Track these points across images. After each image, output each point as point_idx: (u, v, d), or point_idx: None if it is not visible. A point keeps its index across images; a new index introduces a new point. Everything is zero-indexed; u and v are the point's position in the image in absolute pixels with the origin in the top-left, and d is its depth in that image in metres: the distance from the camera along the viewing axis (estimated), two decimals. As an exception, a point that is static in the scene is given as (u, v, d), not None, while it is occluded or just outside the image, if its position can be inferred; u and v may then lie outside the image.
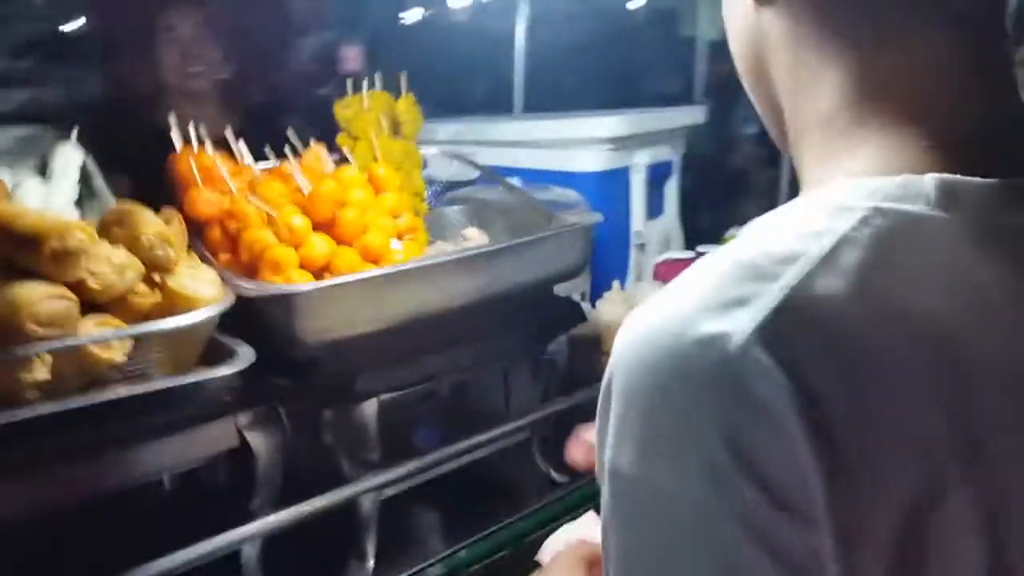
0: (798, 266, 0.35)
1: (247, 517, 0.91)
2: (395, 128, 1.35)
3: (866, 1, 0.40)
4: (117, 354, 0.66)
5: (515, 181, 1.59)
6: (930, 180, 0.37)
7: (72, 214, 1.02)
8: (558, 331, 1.22)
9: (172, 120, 1.09)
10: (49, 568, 0.78)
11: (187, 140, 1.06)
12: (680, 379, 0.34)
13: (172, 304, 0.70)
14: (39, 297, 0.60)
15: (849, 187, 0.39)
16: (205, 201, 0.96)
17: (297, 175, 1.02)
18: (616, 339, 0.38)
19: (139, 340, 0.66)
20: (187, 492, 0.91)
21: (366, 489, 1.02)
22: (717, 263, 0.38)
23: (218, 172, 1.00)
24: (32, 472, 0.67)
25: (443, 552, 1.12)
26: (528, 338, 1.18)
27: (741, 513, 0.33)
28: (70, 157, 1.07)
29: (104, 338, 0.63)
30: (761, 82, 0.47)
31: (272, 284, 0.85)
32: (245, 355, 0.73)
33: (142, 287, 0.70)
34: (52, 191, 1.01)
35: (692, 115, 1.99)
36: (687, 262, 1.70)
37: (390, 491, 1.08)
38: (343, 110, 1.32)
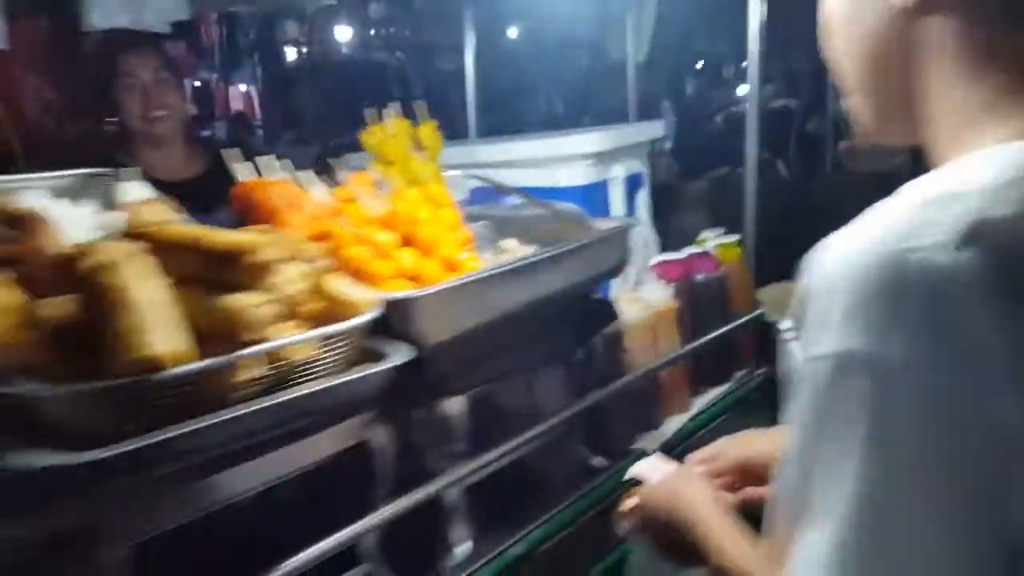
0: (974, 195, 0.47)
1: (366, 509, 0.95)
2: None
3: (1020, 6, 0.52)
4: (307, 355, 0.71)
5: (515, 198, 1.71)
6: None
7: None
8: (599, 328, 1.33)
9: (228, 153, 1.14)
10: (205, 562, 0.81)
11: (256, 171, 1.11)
12: (891, 277, 0.45)
13: (337, 309, 0.77)
14: (253, 304, 0.65)
15: (1000, 149, 0.52)
16: (295, 225, 1.01)
17: (368, 198, 1.09)
18: (817, 263, 0.49)
19: (327, 341, 0.72)
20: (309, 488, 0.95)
21: (458, 478, 1.09)
22: (898, 203, 0.49)
23: (294, 198, 1.06)
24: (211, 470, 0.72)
25: (514, 536, 1.20)
26: (576, 335, 1.29)
27: (942, 368, 0.43)
28: (140, 193, 1.09)
29: (311, 338, 0.69)
30: (891, 79, 0.58)
31: (393, 291, 0.91)
32: (402, 351, 0.80)
33: (309, 295, 0.76)
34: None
35: (656, 129, 2.18)
36: (681, 261, 1.85)
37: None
38: (369, 137, 1.39)
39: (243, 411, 0.65)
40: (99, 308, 0.60)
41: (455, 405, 1.09)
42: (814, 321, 0.48)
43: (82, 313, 0.63)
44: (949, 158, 0.56)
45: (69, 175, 1.11)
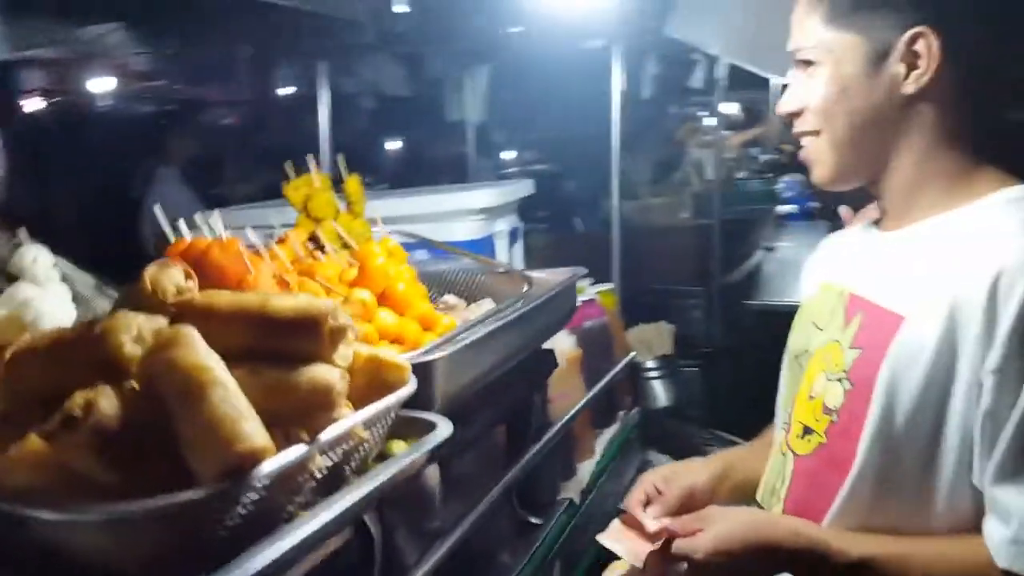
0: None
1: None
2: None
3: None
4: (363, 434, 0.63)
5: (422, 253, 1.67)
6: None
7: (72, 316, 0.87)
8: (545, 377, 1.33)
9: (159, 211, 0.99)
10: None
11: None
12: None
13: (380, 375, 0.69)
14: (337, 377, 0.56)
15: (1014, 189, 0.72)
16: (263, 287, 0.90)
17: (333, 254, 1.01)
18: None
19: (383, 414, 0.64)
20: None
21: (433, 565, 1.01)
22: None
23: (253, 258, 0.95)
24: None
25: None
26: (528, 386, 1.28)
27: None
28: (43, 259, 0.90)
29: (386, 408, 0.61)
30: (872, 142, 0.77)
31: (410, 353, 0.84)
32: (443, 425, 0.74)
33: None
34: (47, 295, 0.85)
35: (528, 187, 2.28)
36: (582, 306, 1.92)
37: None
38: (294, 192, 1.29)
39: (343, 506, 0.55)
40: (178, 396, 0.48)
41: (432, 473, 1.02)
42: None
43: (131, 407, 0.51)
44: (941, 206, 0.76)
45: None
